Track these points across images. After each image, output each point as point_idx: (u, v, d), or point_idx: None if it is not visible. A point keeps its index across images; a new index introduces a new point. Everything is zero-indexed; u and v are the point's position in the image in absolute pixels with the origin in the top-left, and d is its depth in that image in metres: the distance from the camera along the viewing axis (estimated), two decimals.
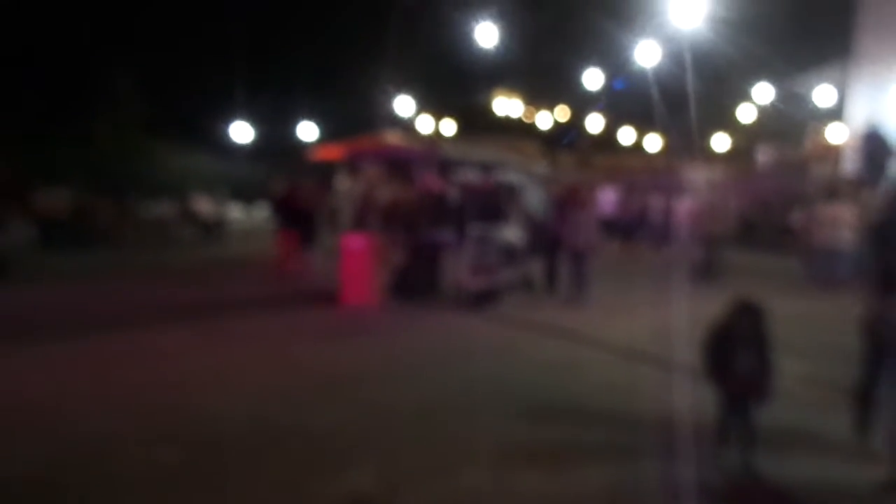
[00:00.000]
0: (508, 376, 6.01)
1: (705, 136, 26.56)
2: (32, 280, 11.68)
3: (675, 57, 18.01)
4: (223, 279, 12.93)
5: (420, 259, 9.93)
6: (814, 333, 7.36)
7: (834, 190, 11.76)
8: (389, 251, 9.93)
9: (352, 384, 5.81)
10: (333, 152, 12.25)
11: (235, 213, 27.82)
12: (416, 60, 22.51)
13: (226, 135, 28.09)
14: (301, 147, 23.33)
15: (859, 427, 4.31)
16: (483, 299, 9.45)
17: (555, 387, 5.72)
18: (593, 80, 22.72)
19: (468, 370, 6.26)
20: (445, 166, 11.09)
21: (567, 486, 3.86)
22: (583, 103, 25.81)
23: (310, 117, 27.54)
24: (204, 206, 22.29)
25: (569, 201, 10.27)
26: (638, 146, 28.63)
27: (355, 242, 9.75)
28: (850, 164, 14.62)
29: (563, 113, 27.31)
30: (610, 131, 28.25)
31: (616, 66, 21.20)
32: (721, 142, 27.30)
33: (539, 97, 25.88)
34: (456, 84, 23.93)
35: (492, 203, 10.21)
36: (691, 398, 4.62)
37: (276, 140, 27.73)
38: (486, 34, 18.09)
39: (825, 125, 18.38)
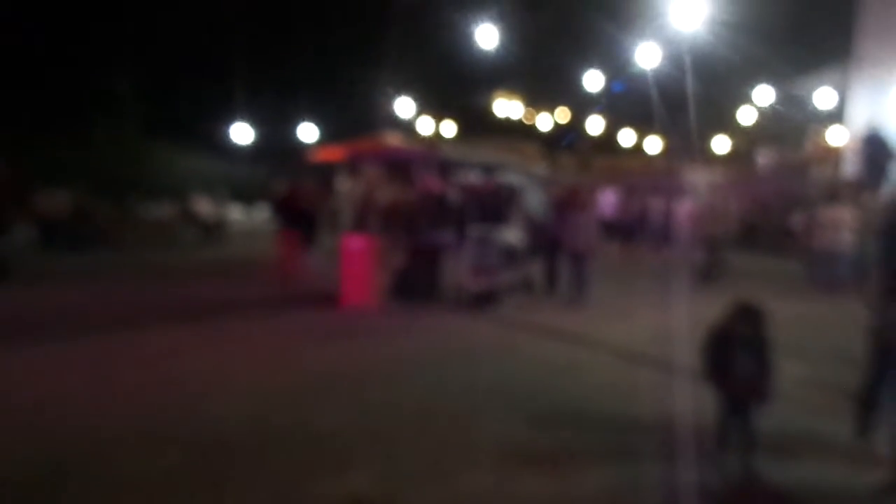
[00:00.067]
0: (509, 378, 6.00)
1: (705, 139, 26.57)
2: (33, 281, 11.67)
3: (675, 59, 18.02)
4: (223, 280, 12.93)
5: (420, 260, 9.93)
6: (814, 336, 7.36)
7: (834, 192, 11.76)
8: (389, 252, 9.93)
9: (352, 385, 5.80)
10: (334, 153, 12.22)
11: (235, 214, 27.81)
12: (417, 62, 22.54)
13: (226, 136, 28.12)
14: (301, 148, 23.35)
15: (861, 430, 4.31)
16: (483, 301, 9.45)
17: (555, 388, 5.71)
18: (594, 81, 22.74)
19: (468, 372, 6.26)
20: (445, 168, 11.08)
21: (567, 489, 3.86)
22: (583, 105, 25.83)
23: (310, 118, 27.56)
24: (204, 207, 22.28)
25: (569, 203, 10.27)
26: (638, 148, 28.65)
27: (355, 243, 9.75)
28: (850, 167, 14.62)
29: (563, 115, 27.32)
30: (610, 133, 28.28)
31: (616, 68, 21.23)
32: (721, 144, 27.31)
33: (539, 99, 25.89)
34: (456, 86, 23.94)
35: (492, 204, 10.21)
36: (692, 400, 4.61)
37: (276, 141, 27.74)
38: (487, 36, 18.12)
39: (825, 128, 18.39)
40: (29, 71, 21.79)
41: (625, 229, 17.29)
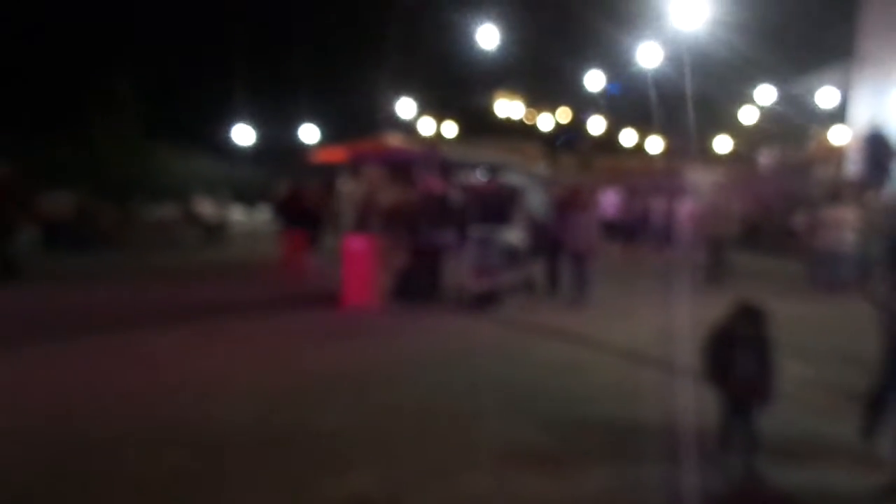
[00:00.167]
0: (510, 378, 6.00)
1: (707, 138, 26.56)
2: (37, 282, 11.68)
3: (676, 59, 18.00)
4: (225, 281, 12.93)
5: (421, 261, 9.92)
6: (816, 336, 7.34)
7: (836, 192, 11.73)
8: (391, 253, 9.93)
9: (354, 386, 5.80)
10: (335, 154, 12.23)
11: (237, 215, 27.81)
12: (418, 63, 22.54)
13: (228, 137, 28.16)
14: (303, 149, 23.37)
15: (867, 431, 4.28)
16: (484, 301, 9.44)
17: (557, 389, 5.70)
18: (595, 81, 22.75)
19: (470, 372, 6.25)
20: (447, 168, 11.08)
21: (569, 489, 3.85)
22: (584, 105, 25.83)
23: (311, 119, 27.59)
24: (206, 208, 22.27)
25: (570, 203, 10.26)
26: (640, 148, 28.64)
27: (357, 244, 9.75)
28: (852, 166, 14.60)
29: (564, 115, 27.33)
30: (612, 133, 28.27)
31: (617, 68, 21.22)
32: (723, 144, 27.29)
33: (540, 99, 25.89)
34: (457, 86, 23.95)
35: (494, 205, 10.20)
36: (694, 401, 4.60)
37: (277, 142, 27.78)
38: (488, 36, 18.13)
39: (828, 127, 18.36)
40: (31, 72, 21.84)
41: (626, 229, 17.25)
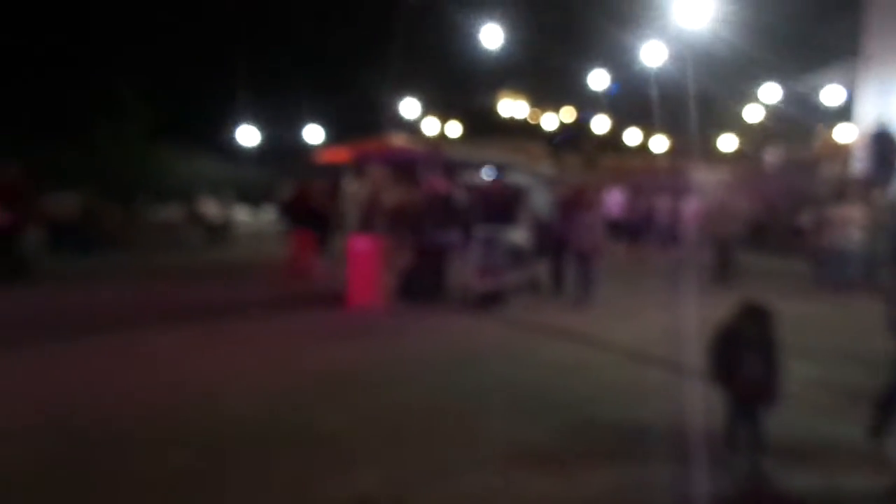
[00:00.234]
0: (515, 378, 5.98)
1: (712, 137, 26.49)
2: (42, 283, 11.72)
3: (681, 58, 17.94)
4: (230, 281, 12.95)
5: (426, 261, 9.92)
6: (823, 336, 7.31)
7: (843, 190, 11.67)
8: (395, 253, 9.92)
9: (358, 385, 5.80)
10: (339, 155, 12.24)
11: (242, 215, 27.86)
12: (422, 63, 22.53)
13: (232, 138, 28.21)
14: (307, 149, 23.39)
15: (875, 431, 4.25)
16: (489, 301, 9.43)
17: (562, 389, 5.68)
18: (599, 81, 22.70)
19: (475, 372, 6.24)
20: (451, 168, 11.07)
21: (574, 489, 3.83)
22: (588, 104, 25.80)
23: (316, 120, 27.62)
24: (210, 208, 22.31)
25: (575, 203, 10.24)
26: (644, 147, 28.59)
27: (362, 244, 9.74)
28: (859, 164, 14.52)
29: (568, 114, 27.30)
30: (616, 132, 28.23)
31: (622, 67, 21.17)
32: (728, 142, 27.22)
33: (545, 99, 25.87)
34: (461, 86, 23.95)
35: (498, 205, 10.18)
36: (700, 401, 4.58)
37: (282, 143, 27.82)
38: (492, 36, 18.09)
39: (834, 125, 18.27)
40: (35, 75, 21.91)
41: (631, 229, 17.22)
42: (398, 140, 12.73)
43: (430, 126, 26.41)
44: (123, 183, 22.28)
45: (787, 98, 22.21)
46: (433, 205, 9.94)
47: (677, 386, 5.38)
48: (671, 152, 26.23)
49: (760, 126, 24.96)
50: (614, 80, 22.49)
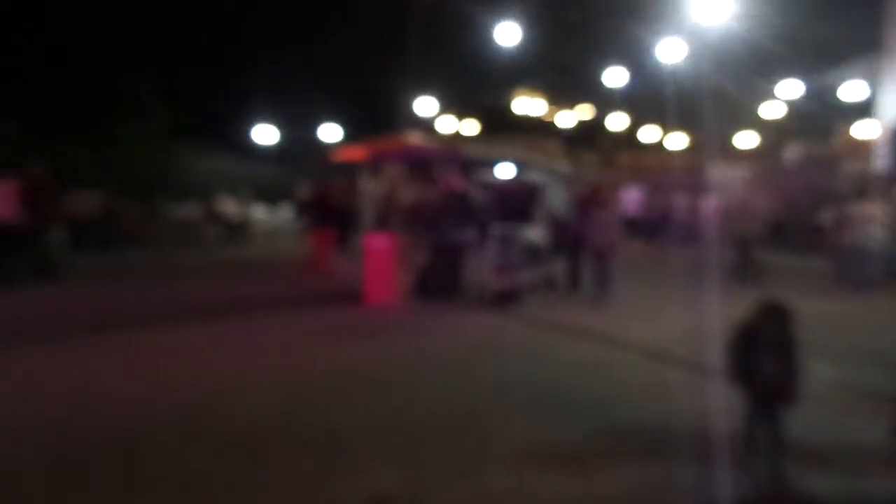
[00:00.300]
0: (533, 376, 5.97)
1: (731, 134, 26.27)
2: (64, 280, 11.86)
3: (699, 54, 17.80)
4: (248, 279, 13.06)
5: (443, 259, 9.93)
6: (844, 335, 7.23)
7: (864, 187, 11.52)
8: (412, 251, 9.94)
9: (376, 384, 5.82)
10: (356, 153, 12.30)
11: (259, 213, 28.05)
12: (439, 61, 22.53)
13: (250, 137, 28.42)
14: (324, 148, 23.51)
15: None
16: (505, 299, 9.42)
17: (580, 388, 5.67)
18: (616, 78, 22.59)
19: (492, 370, 6.24)
20: (467, 166, 11.08)
21: (592, 489, 3.83)
22: (605, 101, 25.67)
23: (332, 119, 27.74)
24: (228, 207, 22.50)
25: (591, 200, 10.20)
26: (662, 145, 28.42)
27: (379, 243, 9.78)
28: (880, 161, 14.34)
29: (585, 111, 27.19)
30: (633, 130, 28.08)
31: (639, 63, 21.05)
32: (747, 139, 26.97)
33: (561, 96, 25.77)
34: (478, 84, 23.92)
35: (515, 203, 10.17)
36: (720, 402, 4.54)
37: (299, 141, 27.98)
38: (508, 34, 18.06)
39: (854, 121, 18.05)
40: (57, 75, 22.19)
41: (648, 227, 17.12)
42: (414, 138, 12.77)
43: (447, 124, 26.42)
44: (143, 181, 22.51)
45: (807, 94, 21.97)
46: (449, 203, 9.94)
47: (697, 385, 5.35)
48: (689, 150, 26.05)
49: (780, 122, 24.71)
50: (632, 76, 22.37)
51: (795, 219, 15.92)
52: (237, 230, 22.07)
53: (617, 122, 27.24)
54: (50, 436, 4.64)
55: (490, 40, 18.61)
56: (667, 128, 27.74)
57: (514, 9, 18.27)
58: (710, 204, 13.45)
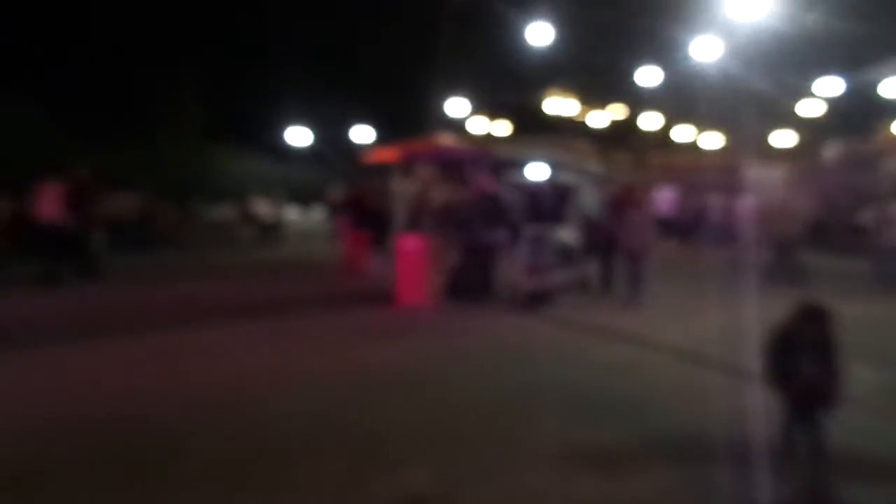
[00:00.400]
0: (566, 378, 5.95)
1: (767, 133, 25.80)
2: (104, 280, 12.14)
3: (735, 51, 17.52)
4: (281, 279, 13.23)
5: (474, 260, 9.94)
6: (885, 338, 7.06)
7: None
8: (444, 252, 9.97)
9: (408, 384, 5.86)
10: (388, 154, 12.36)
11: (292, 215, 28.38)
12: (470, 62, 22.54)
13: (283, 139, 28.76)
14: (356, 150, 23.68)
15: None
16: (537, 300, 9.39)
17: (613, 389, 5.64)
18: (649, 77, 22.34)
19: (524, 371, 6.23)
20: (499, 167, 11.07)
21: (625, 491, 3.80)
22: (638, 101, 25.40)
23: (364, 120, 27.92)
24: (262, 208, 22.83)
25: (624, 201, 10.12)
26: (696, 144, 28.01)
27: (411, 244, 9.82)
28: None
29: (618, 111, 26.93)
30: (667, 129, 27.73)
31: (673, 62, 20.79)
32: (784, 138, 26.46)
33: (593, 96, 25.56)
34: (509, 84, 23.85)
35: (547, 203, 10.14)
36: (757, 405, 4.47)
37: (331, 143, 28.23)
38: (540, 34, 17.99)
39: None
40: (98, 80, 22.75)
41: (682, 227, 16.92)
42: (446, 139, 12.78)
43: (478, 125, 26.39)
44: (179, 183, 22.92)
45: (847, 91, 21.48)
46: (481, 204, 9.95)
47: (733, 388, 5.27)
48: (724, 149, 25.64)
49: (818, 121, 24.19)
50: (665, 75, 22.12)
51: (835, 219, 15.58)
52: (271, 231, 22.38)
53: (650, 121, 26.93)
54: (88, 431, 4.75)
55: (522, 40, 18.56)
56: (701, 127, 27.34)
57: (546, 9, 18.20)
58: (746, 204, 13.23)
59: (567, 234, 10.48)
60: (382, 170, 13.66)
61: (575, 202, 10.91)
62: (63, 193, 11.66)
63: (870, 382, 5.41)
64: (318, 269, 14.60)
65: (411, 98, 24.47)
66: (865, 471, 4.02)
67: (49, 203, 11.61)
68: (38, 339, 7.47)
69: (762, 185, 14.17)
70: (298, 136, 28.87)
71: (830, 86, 22.13)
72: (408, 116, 23.44)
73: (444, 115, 24.24)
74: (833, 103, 23.26)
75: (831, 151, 19.38)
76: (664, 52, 21.22)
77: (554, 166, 11.66)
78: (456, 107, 25.27)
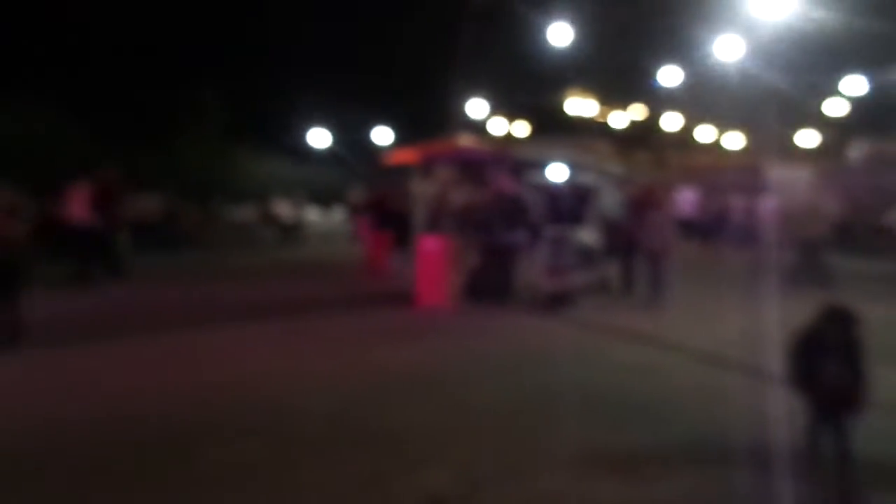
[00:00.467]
0: (586, 379, 5.92)
1: (791, 133, 25.48)
2: (131, 281, 12.28)
3: (758, 50, 17.33)
4: (302, 279, 13.31)
5: (494, 261, 9.93)
6: None
7: None
8: (464, 253, 9.97)
9: (428, 384, 5.86)
10: (408, 156, 12.40)
11: (313, 216, 28.53)
12: (490, 62, 22.52)
13: (304, 140, 28.94)
14: (376, 151, 23.76)
15: None
16: (558, 301, 9.36)
17: (634, 391, 5.60)
18: (670, 77, 22.17)
19: (544, 372, 6.22)
20: (519, 167, 11.05)
21: (647, 494, 3.78)
22: (659, 101, 25.21)
23: (384, 122, 28.01)
24: (283, 209, 22.99)
25: (644, 202, 10.05)
26: (718, 144, 27.75)
27: (430, 245, 9.84)
28: None
29: (638, 111, 26.76)
30: (688, 129, 27.49)
31: (695, 62, 20.61)
32: (808, 138, 26.13)
33: (614, 96, 25.41)
34: (529, 85, 23.79)
35: (567, 204, 10.11)
36: (780, 409, 4.42)
37: (352, 145, 28.35)
38: (560, 34, 17.94)
39: None
40: (121, 81, 23.01)
41: (703, 228, 16.77)
42: (466, 140, 12.79)
43: (498, 126, 26.37)
44: (202, 184, 23.12)
45: (871, 90, 21.15)
46: (501, 205, 9.94)
47: (755, 391, 5.21)
48: (746, 149, 25.38)
49: (843, 120, 23.85)
50: (687, 75, 21.93)
51: (861, 220, 15.34)
52: (291, 232, 22.52)
53: (671, 121, 26.72)
54: (109, 428, 4.82)
55: (542, 41, 18.52)
56: (723, 127, 27.08)
57: (566, 9, 18.14)
58: (769, 205, 13.07)
59: (587, 236, 10.43)
60: (402, 171, 13.71)
61: (595, 203, 10.86)
62: (90, 195, 11.83)
63: None
64: (338, 269, 14.67)
65: (431, 99, 24.49)
66: (892, 476, 3.95)
67: (78, 204, 11.79)
68: (59, 338, 7.57)
69: (785, 185, 13.99)
70: (319, 137, 29.04)
71: (855, 85, 21.81)
72: (428, 118, 23.46)
73: (463, 116, 24.25)
74: (858, 102, 22.92)
75: (856, 151, 19.09)
76: (685, 52, 21.04)
77: (574, 167, 11.62)
78: (476, 108, 25.26)
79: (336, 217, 29.46)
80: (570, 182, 11.14)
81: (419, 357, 6.89)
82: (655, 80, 22.67)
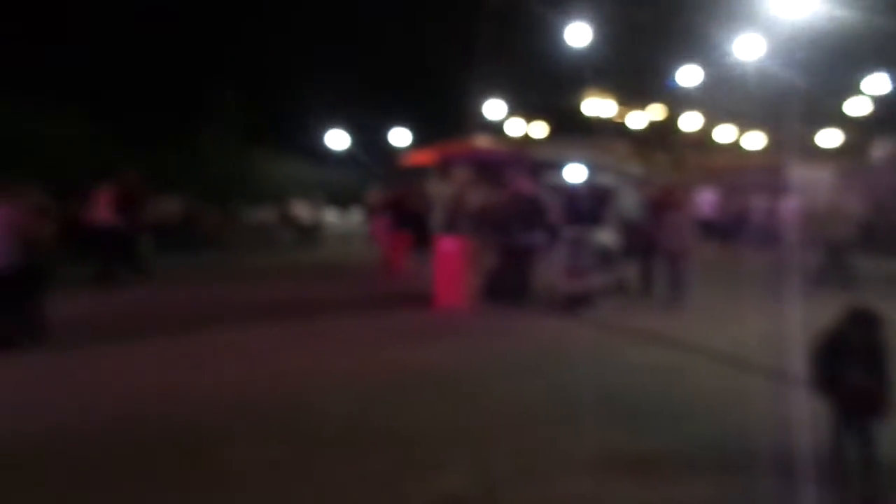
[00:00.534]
0: (605, 381, 5.88)
1: (812, 132, 25.17)
2: (153, 282, 12.41)
3: (778, 49, 17.15)
4: (320, 280, 13.37)
5: (512, 262, 9.91)
6: None
7: None
8: (481, 254, 9.96)
9: (446, 385, 5.87)
10: (425, 157, 12.43)
11: (331, 217, 28.65)
12: (507, 63, 22.48)
13: (322, 142, 29.07)
14: (394, 152, 23.81)
15: None
16: (576, 303, 9.32)
17: (653, 393, 5.56)
18: (689, 77, 22.00)
19: (563, 373, 6.19)
20: (536, 168, 11.04)
21: (664, 498, 3.75)
22: (678, 101, 25.02)
23: (402, 123, 28.05)
24: (302, 210, 23.10)
25: (664, 202, 9.98)
26: (738, 144, 27.48)
27: (448, 246, 9.84)
28: None
29: (657, 112, 26.57)
30: (707, 129, 27.25)
31: (714, 61, 20.44)
32: (830, 137, 25.80)
33: (632, 96, 25.24)
34: (547, 86, 23.71)
35: (585, 205, 10.07)
36: (803, 412, 4.36)
37: (370, 146, 28.42)
38: (578, 34, 17.87)
39: None
40: (141, 83, 23.26)
41: (723, 229, 16.62)
42: (483, 141, 12.81)
43: (515, 127, 26.30)
44: (221, 186, 23.30)
45: (895, 88, 20.83)
46: (518, 205, 9.92)
47: (777, 394, 5.15)
48: (767, 149, 25.11)
49: (866, 119, 23.53)
50: (706, 74, 21.74)
51: (885, 220, 15.11)
52: (309, 233, 22.62)
53: (690, 122, 26.50)
54: (129, 427, 4.87)
55: (560, 41, 18.45)
56: (743, 127, 26.80)
57: (584, 9, 18.06)
58: (790, 205, 12.92)
59: (606, 236, 10.38)
60: (420, 172, 13.74)
61: (614, 204, 10.80)
62: (114, 197, 11.98)
63: None
64: (356, 270, 14.72)
65: (448, 100, 24.48)
66: None
67: (101, 206, 11.95)
68: (81, 337, 7.66)
69: (807, 185, 13.82)
70: (337, 139, 29.15)
71: (877, 83, 21.50)
72: (445, 119, 23.45)
73: (481, 116, 24.21)
74: (880, 101, 22.60)
75: (879, 150, 18.81)
76: (704, 51, 20.86)
77: (592, 168, 11.58)
78: (493, 108, 25.21)
79: (354, 218, 29.54)
80: (588, 183, 11.11)
81: (437, 357, 6.89)
82: (674, 80, 22.51)
